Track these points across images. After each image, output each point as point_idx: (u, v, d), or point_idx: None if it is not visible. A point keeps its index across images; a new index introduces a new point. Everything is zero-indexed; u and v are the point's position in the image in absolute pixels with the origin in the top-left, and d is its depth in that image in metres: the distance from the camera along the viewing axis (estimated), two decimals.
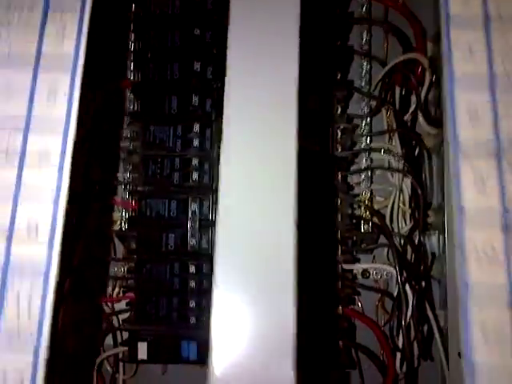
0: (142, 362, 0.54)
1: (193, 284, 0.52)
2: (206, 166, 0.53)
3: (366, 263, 0.59)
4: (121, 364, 0.60)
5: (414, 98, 0.58)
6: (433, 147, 0.58)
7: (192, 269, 0.52)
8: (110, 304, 0.59)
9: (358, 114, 0.58)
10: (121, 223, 0.58)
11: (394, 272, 0.53)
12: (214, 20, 0.53)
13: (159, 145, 0.53)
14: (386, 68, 0.57)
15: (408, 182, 0.59)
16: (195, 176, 0.53)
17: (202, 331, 0.52)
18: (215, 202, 0.53)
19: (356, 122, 0.58)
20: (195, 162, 0.53)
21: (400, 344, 0.51)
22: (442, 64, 0.53)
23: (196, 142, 0.53)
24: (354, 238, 0.56)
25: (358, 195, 0.58)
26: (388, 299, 0.59)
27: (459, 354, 0.50)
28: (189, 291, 0.52)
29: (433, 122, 0.56)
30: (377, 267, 0.58)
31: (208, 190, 0.53)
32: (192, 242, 0.52)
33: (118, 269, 0.60)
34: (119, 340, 0.57)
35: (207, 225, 0.53)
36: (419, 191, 0.53)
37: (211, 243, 0.53)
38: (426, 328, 0.55)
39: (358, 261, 0.59)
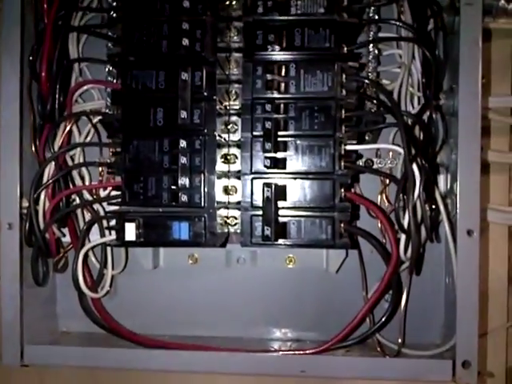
0: (130, 244, 0.50)
1: (183, 160, 0.48)
2: (197, 32, 0.48)
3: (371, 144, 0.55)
4: (109, 257, 0.57)
5: None
6: (447, 24, 0.54)
7: (183, 144, 0.48)
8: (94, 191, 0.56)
9: None
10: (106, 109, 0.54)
11: (402, 152, 0.49)
12: None
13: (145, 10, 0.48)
14: None
15: (418, 64, 0.54)
16: (186, 42, 0.48)
17: (194, 210, 0.49)
18: (208, 74, 0.48)
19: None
20: (185, 26, 0.48)
21: (406, 224, 0.48)
22: None
23: (187, 4, 0.48)
24: (359, 117, 0.52)
25: (364, 77, 0.54)
26: (391, 192, 0.56)
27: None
28: (180, 168, 0.48)
29: None
30: (383, 147, 0.55)
31: (200, 59, 0.48)
32: (183, 114, 0.47)
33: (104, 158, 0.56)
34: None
35: (200, 98, 0.48)
36: (430, 59, 0.48)
37: (204, 117, 0.48)
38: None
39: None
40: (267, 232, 0.47)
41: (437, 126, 0.53)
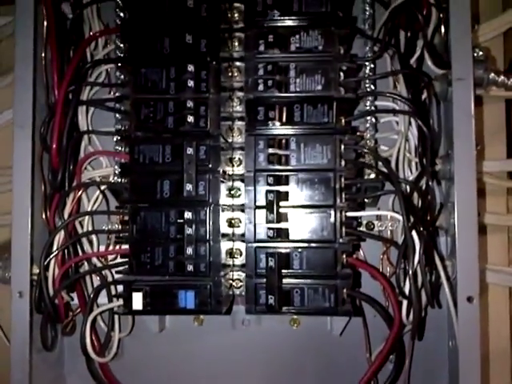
0: (138, 313, 0.52)
1: (189, 231, 0.50)
2: (201, 108, 0.50)
3: (371, 214, 0.57)
4: (116, 321, 0.58)
5: (420, 43, 0.56)
6: (440, 93, 0.56)
7: (188, 215, 0.50)
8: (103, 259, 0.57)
9: (361, 57, 0.55)
10: (114, 177, 0.56)
11: (401, 219, 0.51)
12: None
13: (151, 88, 0.51)
14: (390, 8, 0.54)
15: (414, 130, 0.56)
16: (190, 119, 0.50)
17: (200, 280, 0.51)
18: (212, 147, 0.51)
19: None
20: (190, 104, 0.50)
21: (407, 291, 0.49)
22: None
23: (191, 84, 0.50)
24: (358, 185, 0.53)
25: (362, 146, 0.56)
26: (393, 253, 0.57)
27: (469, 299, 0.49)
28: (185, 239, 0.50)
29: (439, 62, 0.53)
30: (382, 214, 0.56)
31: (204, 133, 0.50)
32: (188, 187, 0.49)
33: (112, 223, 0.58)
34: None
35: (204, 170, 0.50)
36: (426, 132, 0.51)
37: (208, 189, 0.50)
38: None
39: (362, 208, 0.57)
40: (271, 301, 0.48)
41: (434, 192, 0.55)
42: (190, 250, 0.50)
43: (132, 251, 0.51)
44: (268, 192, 0.50)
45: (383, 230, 0.58)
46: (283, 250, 0.50)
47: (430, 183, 0.53)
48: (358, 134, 0.54)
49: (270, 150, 0.50)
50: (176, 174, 0.50)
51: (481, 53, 0.52)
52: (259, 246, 0.50)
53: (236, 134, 0.56)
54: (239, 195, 0.55)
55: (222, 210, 0.52)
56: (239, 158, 0.56)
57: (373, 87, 0.56)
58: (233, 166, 0.56)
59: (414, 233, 0.50)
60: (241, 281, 0.55)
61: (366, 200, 0.58)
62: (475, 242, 0.50)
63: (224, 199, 0.53)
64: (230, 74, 0.55)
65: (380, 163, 0.54)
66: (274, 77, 0.50)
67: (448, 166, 0.55)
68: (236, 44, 0.55)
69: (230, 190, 0.55)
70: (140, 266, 0.51)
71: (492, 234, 0.60)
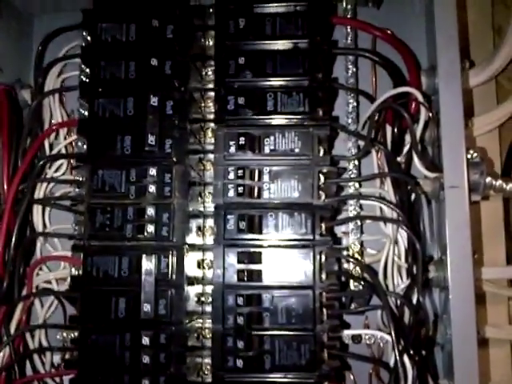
0: None
1: (146, 359, 0.43)
2: (164, 215, 0.45)
3: (357, 329, 0.50)
4: None
5: (408, 138, 0.51)
6: (431, 192, 0.51)
7: (145, 341, 0.43)
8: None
9: (344, 156, 0.50)
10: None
11: (390, 340, 0.45)
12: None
13: (109, 191, 0.46)
14: (376, 103, 0.50)
15: (403, 232, 0.51)
16: (151, 229, 0.45)
17: None
18: (176, 259, 0.45)
19: (342, 164, 0.51)
20: (151, 211, 0.45)
21: None
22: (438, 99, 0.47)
23: (152, 189, 0.45)
24: (343, 299, 0.47)
25: (345, 248, 0.51)
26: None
27: None
28: (142, 368, 0.43)
29: (430, 165, 0.48)
30: (370, 333, 0.50)
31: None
32: (146, 308, 0.43)
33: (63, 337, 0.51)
34: None
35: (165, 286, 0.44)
36: (417, 245, 0.45)
37: (170, 309, 0.44)
38: None
39: (347, 326, 0.50)
40: None
41: (425, 305, 0.49)
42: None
43: (79, 379, 0.44)
44: (238, 314, 0.44)
45: (372, 344, 0.52)
46: None
47: (421, 299, 0.47)
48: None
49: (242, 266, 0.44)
50: (133, 292, 0.44)
51: (475, 154, 0.47)
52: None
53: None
54: None
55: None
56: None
57: (357, 185, 0.51)
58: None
59: (405, 358, 0.44)
60: None
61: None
62: (475, 360, 0.44)
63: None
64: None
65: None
66: (245, 182, 0.45)
67: (442, 274, 0.49)
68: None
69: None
70: None
71: (494, 348, 0.54)
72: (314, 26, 0.48)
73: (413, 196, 0.50)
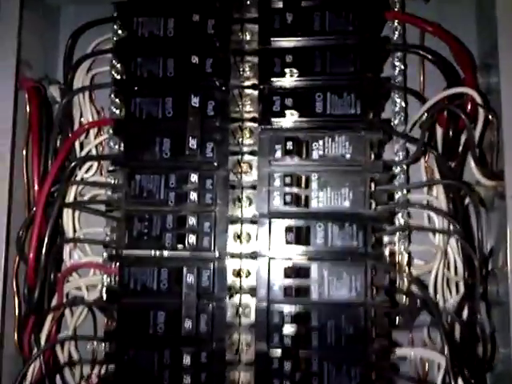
0: None
1: (188, 380, 0.40)
2: (206, 224, 0.42)
3: (405, 348, 0.47)
4: None
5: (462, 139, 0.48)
6: (486, 199, 0.48)
7: (186, 359, 0.41)
8: None
9: (394, 161, 0.47)
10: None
11: (443, 362, 0.42)
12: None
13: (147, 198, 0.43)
14: (429, 103, 0.47)
15: (453, 242, 0.48)
16: (192, 239, 0.42)
17: None
18: (216, 272, 0.42)
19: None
20: (192, 220, 0.42)
21: None
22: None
23: (193, 196, 0.42)
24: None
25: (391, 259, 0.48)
26: None
27: None
28: None
29: (488, 172, 0.45)
30: (420, 354, 0.47)
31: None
32: (187, 324, 0.41)
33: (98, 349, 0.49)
34: None
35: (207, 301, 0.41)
36: (475, 260, 0.42)
37: (212, 325, 0.41)
38: None
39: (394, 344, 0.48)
40: None
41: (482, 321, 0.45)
42: None
43: None
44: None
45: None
46: None
47: (479, 316, 0.44)
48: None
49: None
50: (173, 306, 0.41)
51: None
52: None
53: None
54: None
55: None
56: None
57: (405, 191, 0.48)
58: None
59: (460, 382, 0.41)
60: None
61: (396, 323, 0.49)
62: None
63: None
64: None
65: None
66: (292, 189, 0.42)
67: (495, 287, 0.46)
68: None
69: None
70: None
71: None
72: (366, 21, 0.44)
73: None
